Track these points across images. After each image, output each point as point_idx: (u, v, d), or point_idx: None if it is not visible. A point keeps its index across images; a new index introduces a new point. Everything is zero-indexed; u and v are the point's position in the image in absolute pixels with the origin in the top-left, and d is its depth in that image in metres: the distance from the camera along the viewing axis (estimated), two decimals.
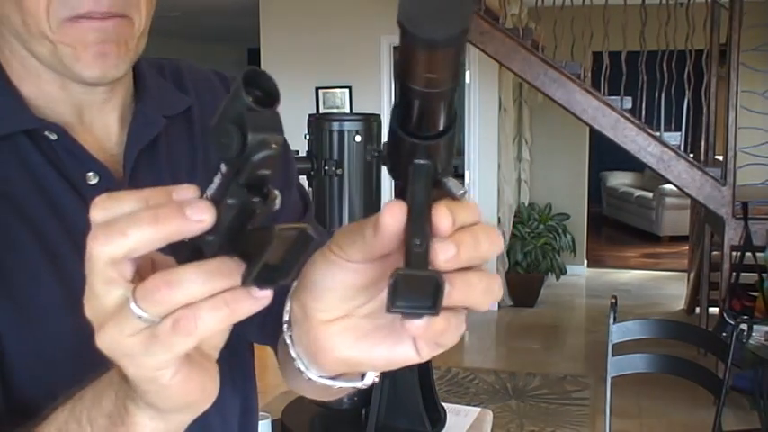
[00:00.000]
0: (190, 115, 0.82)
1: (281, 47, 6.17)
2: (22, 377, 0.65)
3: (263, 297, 0.41)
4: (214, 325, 0.40)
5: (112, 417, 0.49)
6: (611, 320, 2.55)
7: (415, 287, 0.38)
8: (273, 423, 1.67)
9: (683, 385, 2.82)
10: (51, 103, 0.71)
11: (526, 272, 6.22)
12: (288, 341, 0.51)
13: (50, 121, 0.70)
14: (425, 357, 0.45)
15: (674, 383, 2.93)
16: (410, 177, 0.41)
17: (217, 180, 0.41)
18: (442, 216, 0.40)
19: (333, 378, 0.52)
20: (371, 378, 0.53)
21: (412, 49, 0.35)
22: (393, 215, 0.40)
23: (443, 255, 0.39)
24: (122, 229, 0.40)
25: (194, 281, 0.40)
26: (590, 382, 4.55)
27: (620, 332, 2.55)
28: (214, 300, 0.40)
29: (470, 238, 0.40)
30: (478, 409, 1.80)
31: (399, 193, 0.42)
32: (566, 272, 6.45)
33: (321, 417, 1.67)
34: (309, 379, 0.51)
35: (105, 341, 0.42)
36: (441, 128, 0.41)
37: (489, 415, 1.79)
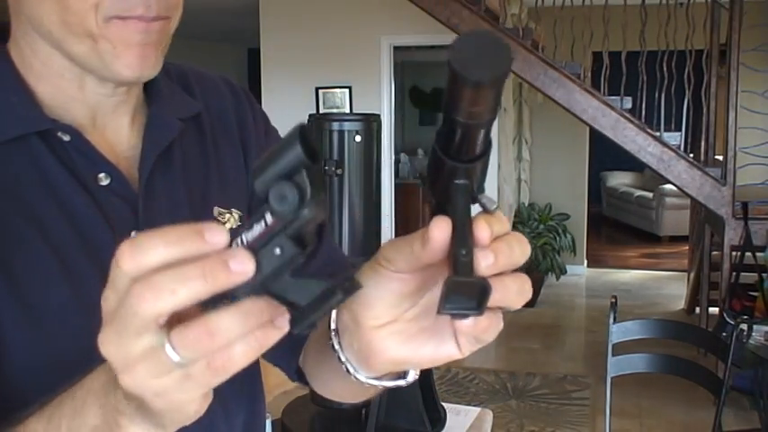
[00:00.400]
0: (200, 121, 0.82)
1: (281, 47, 6.17)
2: (27, 378, 0.64)
3: (286, 326, 0.43)
4: (245, 361, 0.42)
5: (98, 429, 0.49)
6: (611, 320, 2.55)
7: (463, 292, 0.43)
8: (273, 423, 1.67)
9: (683, 385, 2.82)
10: (67, 103, 0.71)
11: (526, 272, 6.17)
12: (336, 347, 0.56)
13: (64, 122, 0.70)
14: (466, 353, 0.50)
15: (674, 383, 2.93)
16: (451, 195, 0.46)
17: (258, 228, 0.42)
18: (482, 229, 0.45)
19: (378, 378, 0.57)
20: (413, 376, 0.58)
21: (459, 88, 0.41)
22: (441, 230, 0.45)
23: (485, 262, 0.44)
24: (172, 289, 0.40)
25: (233, 329, 0.41)
26: (590, 382, 4.55)
27: (620, 332, 2.55)
28: (246, 339, 0.42)
29: (506, 247, 0.46)
30: (478, 409, 1.80)
31: (436, 208, 0.47)
32: (566, 272, 6.45)
33: (321, 417, 1.67)
34: (356, 380, 0.57)
35: (134, 382, 0.42)
36: (478, 152, 0.46)
37: (489, 415, 1.79)
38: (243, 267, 0.40)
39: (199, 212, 0.78)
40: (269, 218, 0.42)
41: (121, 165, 0.73)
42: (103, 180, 0.70)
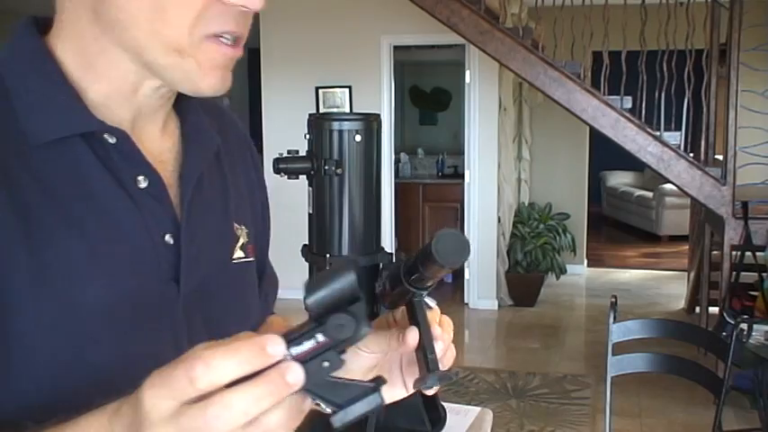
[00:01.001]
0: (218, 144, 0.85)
1: (281, 47, 6.16)
2: (48, 380, 0.65)
3: (308, 407, 0.55)
4: None
5: None
6: (611, 320, 2.55)
7: (435, 379, 0.66)
8: None
9: (683, 385, 2.82)
10: (117, 105, 0.72)
11: (526, 271, 6.21)
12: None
13: (110, 125, 0.71)
14: (410, 392, 0.75)
15: (675, 383, 2.93)
16: (414, 308, 0.70)
17: (308, 344, 0.51)
18: (436, 329, 0.70)
19: None
20: None
21: (434, 265, 0.64)
22: (413, 337, 0.68)
23: (439, 348, 0.69)
24: (246, 411, 0.48)
25: (281, 423, 0.51)
26: (590, 381, 4.55)
27: (620, 332, 2.55)
28: (287, 424, 0.52)
29: (447, 335, 0.72)
30: (478, 409, 1.80)
31: (392, 304, 0.74)
32: (566, 271, 6.44)
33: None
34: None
35: None
36: (428, 286, 0.70)
37: (489, 414, 1.79)
38: (297, 380, 0.50)
39: (222, 223, 0.82)
40: (320, 337, 0.51)
41: (158, 168, 0.75)
42: (142, 182, 0.72)
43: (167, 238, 0.73)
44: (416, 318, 0.69)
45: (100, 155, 0.70)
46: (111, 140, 0.70)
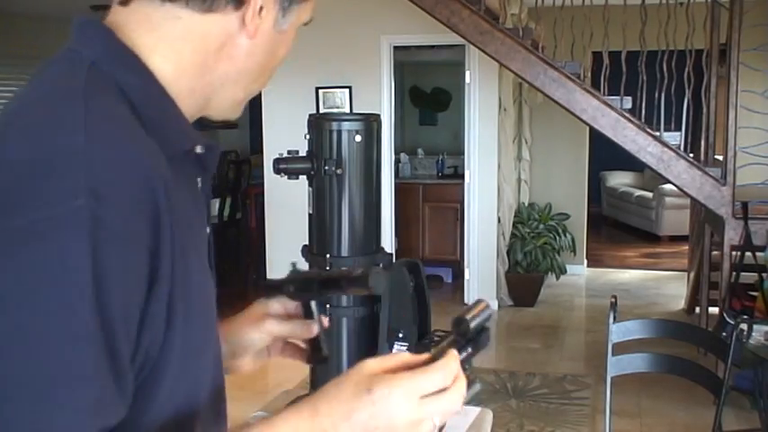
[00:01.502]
0: None
1: None
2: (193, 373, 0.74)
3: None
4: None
5: None
6: (611, 320, 2.55)
7: (322, 355, 1.00)
8: None
9: (683, 385, 2.82)
10: (191, 120, 0.78)
11: (526, 272, 6.21)
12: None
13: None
14: (271, 357, 1.02)
15: (674, 383, 2.93)
16: (311, 307, 0.97)
17: (464, 353, 0.75)
18: (324, 322, 0.97)
19: None
20: None
21: (360, 290, 0.87)
22: (316, 329, 0.96)
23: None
24: (462, 393, 0.72)
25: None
26: (590, 381, 4.55)
27: (619, 332, 2.56)
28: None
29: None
30: (478, 409, 1.80)
31: (294, 298, 0.99)
32: (566, 272, 6.44)
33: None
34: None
35: None
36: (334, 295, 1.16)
37: (489, 415, 1.79)
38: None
39: (204, 202, 0.87)
40: (469, 348, 0.76)
41: None
42: (199, 183, 0.79)
43: (208, 230, 0.82)
44: (311, 314, 0.95)
45: (192, 163, 0.77)
46: (201, 150, 0.76)
